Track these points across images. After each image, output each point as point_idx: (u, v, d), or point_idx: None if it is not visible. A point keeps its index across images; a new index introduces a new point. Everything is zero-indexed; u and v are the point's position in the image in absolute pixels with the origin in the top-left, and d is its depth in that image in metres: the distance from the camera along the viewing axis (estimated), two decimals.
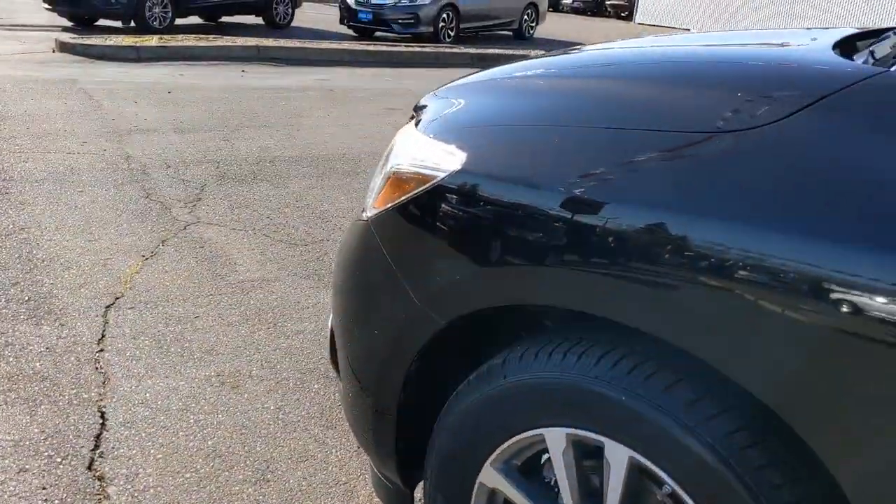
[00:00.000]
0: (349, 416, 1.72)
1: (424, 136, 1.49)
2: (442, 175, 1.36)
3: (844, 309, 0.91)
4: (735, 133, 1.11)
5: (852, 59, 1.30)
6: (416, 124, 1.60)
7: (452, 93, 1.70)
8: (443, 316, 1.37)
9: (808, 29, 1.95)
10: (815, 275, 0.93)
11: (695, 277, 1.04)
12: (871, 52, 1.32)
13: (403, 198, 1.43)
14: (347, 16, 13.84)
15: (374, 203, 1.53)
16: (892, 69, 1.10)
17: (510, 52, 12.52)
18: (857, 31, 1.76)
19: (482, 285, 1.32)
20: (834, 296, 0.92)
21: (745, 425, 1.08)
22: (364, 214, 1.55)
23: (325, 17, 15.94)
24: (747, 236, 1.01)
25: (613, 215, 1.13)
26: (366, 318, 1.56)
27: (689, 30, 22.70)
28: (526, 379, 1.30)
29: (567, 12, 30.76)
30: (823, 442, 0.97)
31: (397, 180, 1.48)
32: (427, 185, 1.38)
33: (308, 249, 3.69)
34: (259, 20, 14.49)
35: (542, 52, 2.12)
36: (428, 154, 1.44)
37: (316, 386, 2.52)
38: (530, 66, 1.72)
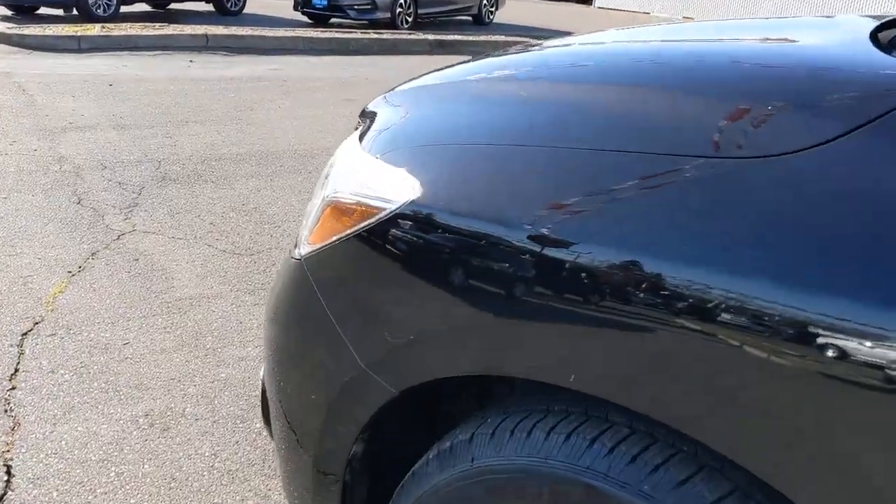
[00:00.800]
0: (285, 480, 1.44)
1: (370, 156, 1.21)
2: (391, 207, 1.09)
3: None
4: (763, 160, 0.85)
5: None
6: (361, 137, 1.32)
7: (406, 97, 1.42)
8: (394, 384, 1.10)
9: (814, 17, 1.70)
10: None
11: (716, 346, 0.80)
12: None
13: (343, 234, 1.15)
14: (302, 2, 13.40)
15: (308, 237, 1.25)
16: None
17: (470, 37, 12.21)
18: (875, 19, 1.52)
19: (444, 349, 1.04)
20: None
21: None
22: (297, 251, 1.27)
23: (278, 3, 15.43)
24: (791, 299, 0.76)
25: (616, 260, 0.87)
26: (300, 378, 1.29)
27: (648, 13, 22.58)
28: (499, 464, 1.03)
29: None
30: None
31: (336, 211, 1.20)
32: (372, 219, 1.10)
33: (254, 260, 3.38)
34: (209, 7, 13.98)
35: (520, 44, 1.82)
36: (374, 179, 1.16)
37: (258, 424, 2.23)
38: (496, 66, 1.44)
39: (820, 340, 0.73)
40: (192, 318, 2.82)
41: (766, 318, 0.77)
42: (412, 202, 1.06)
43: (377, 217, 1.10)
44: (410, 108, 1.37)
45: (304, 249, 1.24)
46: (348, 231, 1.14)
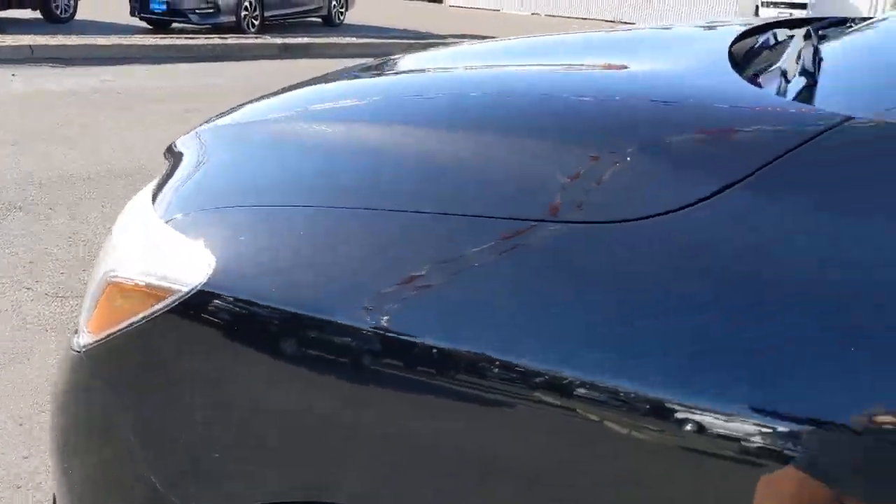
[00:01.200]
0: None
1: (160, 221, 0.98)
2: (182, 291, 0.87)
3: None
4: (618, 225, 0.70)
5: (761, 87, 0.92)
6: (156, 192, 1.08)
7: (219, 137, 1.19)
8: None
9: (659, 29, 1.59)
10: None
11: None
12: (783, 74, 0.95)
13: (126, 323, 0.92)
14: (139, 6, 12.63)
15: (87, 324, 1.01)
16: (860, 116, 0.71)
17: (319, 40, 11.91)
18: (708, 27, 1.43)
19: (255, 472, 0.84)
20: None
21: None
22: (76, 339, 1.03)
23: (114, 8, 14.51)
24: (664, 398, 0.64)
25: (447, 346, 0.72)
26: (94, 493, 1.04)
27: (498, 10, 22.91)
28: None
29: None
30: None
31: (117, 292, 0.96)
32: (160, 305, 0.88)
33: (80, 303, 3.02)
34: (36, 14, 12.96)
35: (372, 61, 1.64)
36: (162, 253, 0.94)
37: None
38: (334, 95, 1.25)
39: (678, 416, 0.63)
40: (5, 380, 2.46)
41: (619, 401, 0.64)
42: (207, 284, 0.85)
43: (165, 303, 0.87)
44: (221, 152, 1.14)
45: (84, 339, 0.99)
46: (132, 319, 0.91)
